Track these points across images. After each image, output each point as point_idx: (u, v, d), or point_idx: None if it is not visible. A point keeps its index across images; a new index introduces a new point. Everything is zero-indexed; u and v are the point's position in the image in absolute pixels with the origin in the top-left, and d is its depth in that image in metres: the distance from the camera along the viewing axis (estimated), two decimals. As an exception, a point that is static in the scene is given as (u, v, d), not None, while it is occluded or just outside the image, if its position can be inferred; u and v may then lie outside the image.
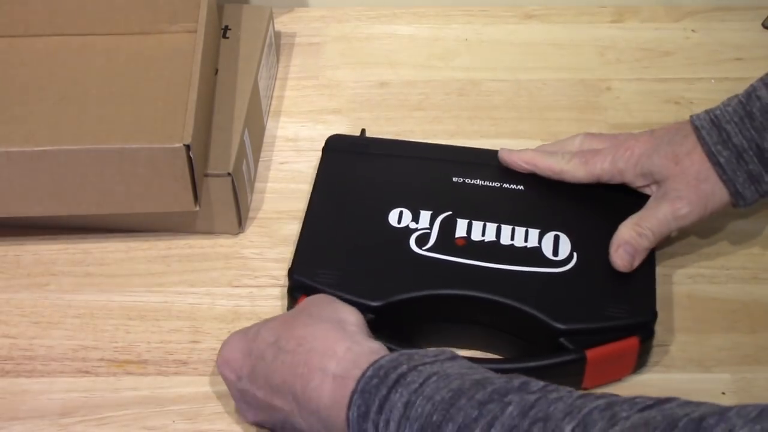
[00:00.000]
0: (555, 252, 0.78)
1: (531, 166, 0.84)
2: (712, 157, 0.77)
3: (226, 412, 0.74)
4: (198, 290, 0.83)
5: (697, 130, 0.78)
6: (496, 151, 0.85)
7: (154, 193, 0.79)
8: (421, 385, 0.59)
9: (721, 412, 0.51)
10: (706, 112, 0.78)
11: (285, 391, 0.64)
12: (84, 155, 0.77)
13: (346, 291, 0.75)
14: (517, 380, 0.58)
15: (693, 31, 1.05)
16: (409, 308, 0.76)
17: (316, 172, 0.86)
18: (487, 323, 0.76)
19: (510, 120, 0.96)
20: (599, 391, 0.73)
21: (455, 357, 0.62)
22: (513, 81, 1.00)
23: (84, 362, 0.78)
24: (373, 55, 1.03)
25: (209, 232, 0.86)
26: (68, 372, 0.77)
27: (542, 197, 0.83)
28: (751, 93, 0.77)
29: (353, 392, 0.60)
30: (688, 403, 0.54)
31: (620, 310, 0.75)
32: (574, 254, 0.78)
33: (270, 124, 0.96)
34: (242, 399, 0.70)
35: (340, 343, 0.64)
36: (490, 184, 0.84)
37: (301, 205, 0.84)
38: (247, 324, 0.79)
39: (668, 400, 0.54)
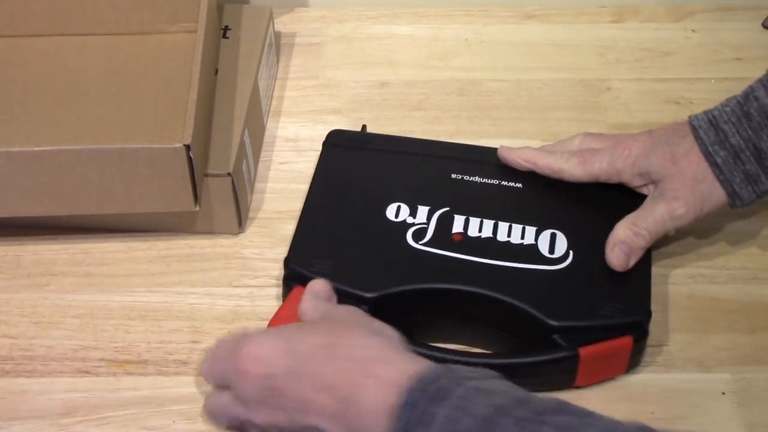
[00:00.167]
0: (551, 250, 0.78)
1: (530, 164, 0.84)
2: (709, 157, 0.77)
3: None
4: (198, 290, 0.83)
5: (694, 130, 0.78)
6: (495, 149, 0.86)
7: (154, 193, 0.79)
8: (464, 400, 0.58)
9: None
10: (704, 112, 0.78)
11: (332, 393, 0.63)
12: (84, 155, 0.78)
13: (341, 282, 0.75)
14: (558, 401, 0.58)
15: (693, 31, 1.05)
16: (403, 301, 0.76)
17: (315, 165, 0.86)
18: (481, 319, 0.77)
19: (510, 120, 0.96)
20: (593, 389, 0.74)
21: (499, 377, 0.62)
22: (513, 81, 1.00)
23: (84, 362, 0.78)
24: (373, 55, 1.03)
25: (209, 232, 0.86)
26: (68, 372, 0.77)
27: (540, 195, 0.83)
28: (749, 94, 0.77)
29: (400, 403, 0.60)
30: None
31: (615, 308, 0.75)
32: (570, 252, 0.78)
33: (270, 124, 0.96)
34: (257, 397, 0.68)
35: (391, 354, 0.64)
36: (489, 181, 0.84)
37: (301, 205, 0.84)
38: (248, 324, 0.80)
39: None
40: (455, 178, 0.84)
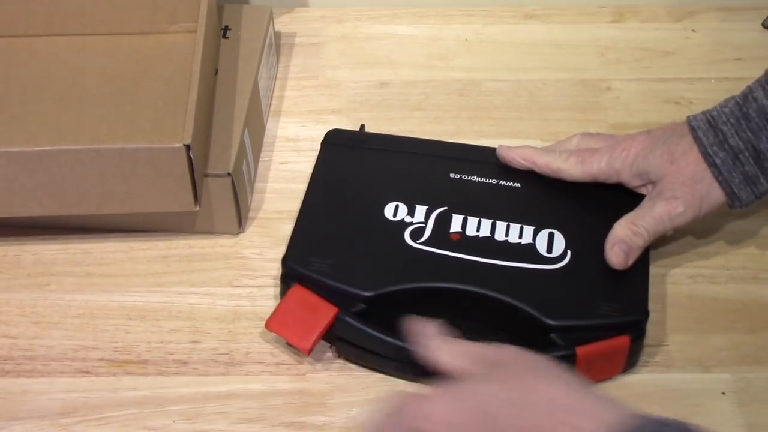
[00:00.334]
0: (549, 249, 0.78)
1: (529, 162, 0.84)
2: (708, 158, 0.77)
3: (226, 412, 0.75)
4: (198, 290, 0.83)
5: (693, 130, 0.78)
6: (494, 148, 0.86)
7: (154, 193, 0.79)
8: None
9: None
10: (703, 113, 0.79)
11: None
12: (84, 155, 0.78)
13: (339, 280, 0.76)
14: None
15: (693, 31, 1.05)
16: (400, 300, 0.76)
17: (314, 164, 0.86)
18: (478, 318, 0.76)
19: (510, 120, 0.96)
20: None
21: (695, 427, 0.59)
22: (513, 81, 1.00)
23: (84, 362, 0.78)
24: (373, 55, 1.03)
25: (209, 232, 0.86)
26: (68, 372, 0.77)
27: (538, 195, 0.83)
28: (747, 95, 0.77)
29: None
30: None
31: (612, 308, 0.75)
32: (568, 252, 0.78)
33: (270, 124, 0.96)
34: None
35: (583, 400, 0.60)
36: (487, 180, 0.84)
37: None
38: (248, 324, 0.80)
39: None
40: (453, 178, 0.84)
